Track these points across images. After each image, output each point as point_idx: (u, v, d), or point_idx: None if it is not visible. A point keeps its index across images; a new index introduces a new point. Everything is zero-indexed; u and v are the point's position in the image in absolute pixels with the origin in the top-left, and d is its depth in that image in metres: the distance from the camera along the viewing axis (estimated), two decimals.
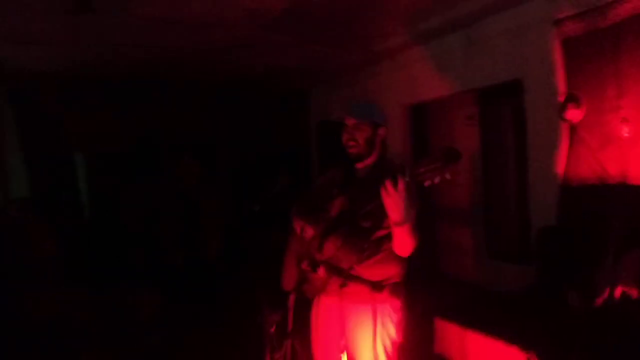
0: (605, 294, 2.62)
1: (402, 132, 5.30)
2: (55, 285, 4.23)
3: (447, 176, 1.44)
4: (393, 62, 5.22)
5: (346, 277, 1.87)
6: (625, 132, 2.99)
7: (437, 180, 1.46)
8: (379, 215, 1.74)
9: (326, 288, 1.97)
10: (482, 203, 4.87)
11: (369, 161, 2.06)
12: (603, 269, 2.74)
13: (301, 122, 7.12)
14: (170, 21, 3.77)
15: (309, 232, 1.96)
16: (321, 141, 6.90)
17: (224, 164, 6.81)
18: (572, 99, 3.29)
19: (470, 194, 5.17)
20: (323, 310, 2.09)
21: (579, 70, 3.28)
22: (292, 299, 2.21)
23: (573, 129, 3.31)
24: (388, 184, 1.59)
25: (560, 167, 3.46)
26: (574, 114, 3.28)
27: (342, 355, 1.84)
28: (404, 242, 1.79)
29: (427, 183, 1.48)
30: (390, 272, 1.95)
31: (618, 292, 2.59)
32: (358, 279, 1.89)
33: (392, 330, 1.97)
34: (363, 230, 1.80)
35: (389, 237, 1.82)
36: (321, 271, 1.75)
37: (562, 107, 3.35)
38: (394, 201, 1.61)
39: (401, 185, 1.57)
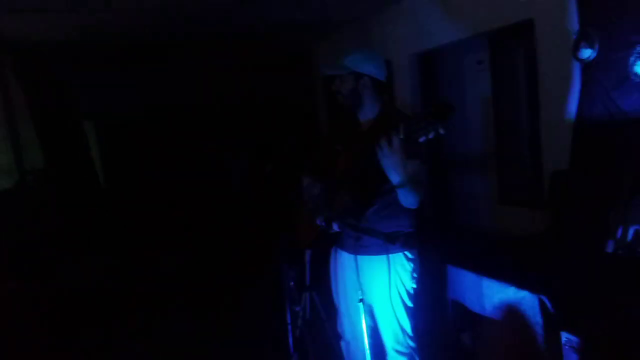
0: (618, 235, 2.64)
1: (410, 81, 5.20)
2: (77, 254, 4.37)
3: (441, 131, 1.45)
4: (399, 9, 5.05)
5: (359, 230, 1.91)
6: None
7: (431, 135, 1.47)
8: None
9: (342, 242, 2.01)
10: (494, 149, 4.84)
11: (371, 114, 2.06)
12: (616, 210, 2.74)
13: (307, 78, 7.03)
14: None
15: (317, 189, 2.01)
16: (328, 96, 6.82)
17: (234, 124, 6.81)
18: (585, 37, 3.18)
19: (482, 141, 5.13)
20: (340, 263, 2.15)
21: (592, 7, 3.14)
22: (308, 253, 2.27)
23: (586, 68, 3.22)
24: (383, 143, 1.61)
25: (573, 108, 3.39)
26: (587, 53, 3.18)
27: (359, 305, 1.91)
28: (407, 199, 1.82)
29: (421, 139, 1.50)
30: (402, 222, 1.98)
31: (631, 232, 2.60)
32: (371, 231, 1.92)
33: (407, 279, 2.03)
34: (370, 185, 1.82)
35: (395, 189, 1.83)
36: (335, 226, 1.79)
37: (575, 46, 3.25)
38: (390, 160, 1.63)
39: (395, 144, 1.58)
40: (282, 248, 2.30)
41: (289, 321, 2.30)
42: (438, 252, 3.33)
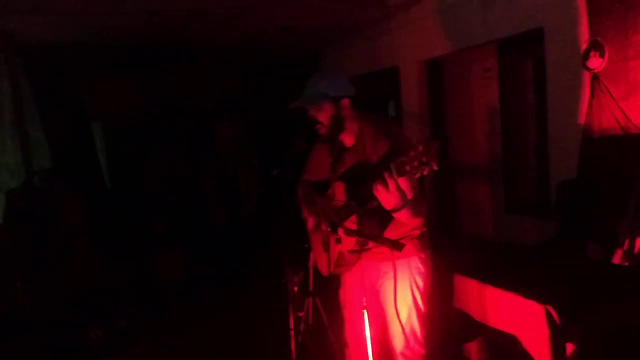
0: (625, 246, 2.61)
1: (417, 88, 5.20)
2: (83, 253, 4.38)
3: (435, 167, 1.47)
4: (407, 16, 5.05)
5: (366, 237, 1.90)
6: None
7: (426, 172, 1.50)
8: None
9: (358, 255, 2.00)
10: (500, 158, 4.82)
11: (352, 132, 2.04)
12: (623, 221, 2.72)
13: None
14: None
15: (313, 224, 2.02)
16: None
17: (241, 129, 6.82)
18: (595, 46, 3.17)
19: (489, 150, 5.11)
20: (349, 272, 2.14)
21: (603, 16, 3.14)
22: (312, 260, 2.27)
23: (595, 78, 3.20)
24: (379, 187, 1.62)
25: (581, 118, 3.37)
26: (596, 62, 3.17)
27: (363, 312, 1.90)
28: (406, 221, 1.83)
29: (417, 176, 1.53)
30: (408, 228, 1.98)
31: (638, 243, 2.57)
32: (378, 238, 1.91)
33: (420, 282, 2.05)
34: (373, 210, 1.81)
35: None
36: (341, 232, 1.78)
37: (585, 56, 3.24)
38: (386, 198, 1.64)
39: (392, 186, 1.60)
40: (287, 253, 2.30)
41: (291, 327, 2.29)
42: (444, 260, 3.31)
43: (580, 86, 3.36)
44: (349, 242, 1.90)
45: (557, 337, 1.89)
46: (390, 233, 1.94)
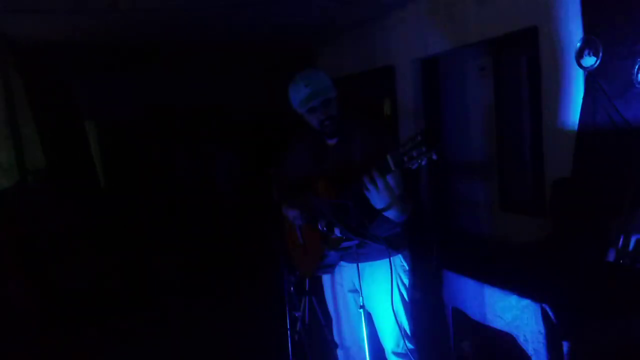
0: (619, 244, 2.62)
1: (413, 87, 5.19)
2: (77, 253, 4.36)
3: (434, 157, 1.44)
4: (402, 14, 5.05)
5: (361, 235, 1.89)
6: None
7: (424, 162, 1.47)
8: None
9: (341, 254, 2.00)
10: (495, 156, 4.83)
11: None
12: (618, 219, 2.74)
13: None
14: None
15: (298, 220, 1.99)
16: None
17: (235, 128, 6.80)
18: (589, 45, 3.18)
19: (484, 147, 5.12)
20: (338, 273, 2.14)
21: (597, 15, 3.14)
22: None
23: (590, 76, 3.21)
24: (368, 184, 1.61)
25: (575, 116, 3.39)
26: (590, 61, 3.18)
27: (360, 311, 1.90)
28: (394, 219, 1.83)
29: (415, 167, 1.50)
30: (392, 225, 1.99)
31: (632, 242, 2.58)
32: (373, 237, 1.91)
33: (405, 278, 2.08)
34: (361, 208, 1.80)
35: None
36: (337, 231, 1.77)
37: (579, 54, 3.25)
38: (376, 197, 1.64)
39: (381, 185, 1.60)
40: (283, 253, 2.29)
41: (288, 326, 2.29)
42: (439, 258, 3.32)
43: (575, 84, 3.37)
44: (336, 242, 1.88)
45: (554, 335, 1.89)
46: (376, 231, 1.92)
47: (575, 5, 3.29)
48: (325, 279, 2.23)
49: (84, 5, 4.01)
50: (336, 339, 2.28)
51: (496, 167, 4.84)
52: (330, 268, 2.07)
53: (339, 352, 2.29)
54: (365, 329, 1.88)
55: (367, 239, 1.82)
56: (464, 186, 5.34)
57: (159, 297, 4.37)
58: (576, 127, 3.38)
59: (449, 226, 5.29)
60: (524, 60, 4.42)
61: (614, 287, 2.09)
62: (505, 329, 2.14)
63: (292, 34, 5.92)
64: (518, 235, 4.21)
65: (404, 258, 2.08)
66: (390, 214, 1.78)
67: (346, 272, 2.08)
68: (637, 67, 2.92)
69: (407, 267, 2.08)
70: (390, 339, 2.08)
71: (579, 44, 3.25)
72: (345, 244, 1.86)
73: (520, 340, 2.05)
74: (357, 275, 1.89)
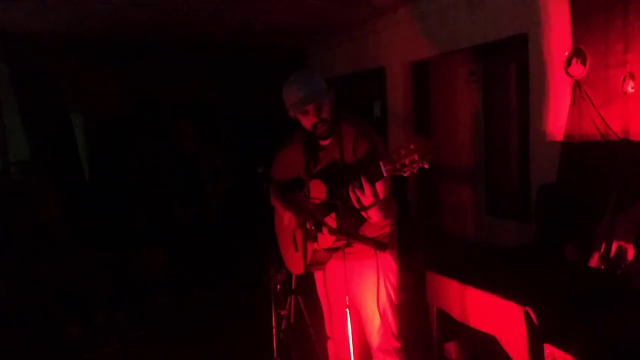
0: (602, 250, 2.67)
1: (403, 90, 5.23)
2: (61, 247, 4.30)
3: (426, 165, 1.48)
4: (394, 17, 5.08)
5: (349, 235, 1.90)
6: (630, 87, 2.95)
7: (415, 170, 1.51)
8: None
9: (331, 253, 2.01)
10: (483, 160, 4.88)
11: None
12: (601, 225, 2.79)
13: None
14: None
15: (293, 222, 2.00)
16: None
17: (224, 127, 6.76)
18: (577, 53, 3.23)
19: (472, 152, 5.18)
20: (329, 270, 2.15)
21: (585, 25, 3.20)
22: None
23: (577, 84, 3.27)
24: (357, 191, 1.64)
25: (562, 124, 3.44)
26: (578, 69, 3.23)
27: (346, 310, 1.90)
28: (376, 220, 1.88)
29: (406, 174, 1.53)
30: (380, 226, 2.01)
31: (614, 247, 2.63)
32: (360, 237, 1.92)
33: (393, 277, 2.10)
34: (351, 209, 1.82)
35: None
36: (325, 230, 1.77)
37: (567, 62, 3.30)
38: (360, 198, 1.67)
39: (368, 191, 1.63)
40: (270, 252, 2.29)
41: (273, 324, 2.29)
42: (425, 260, 3.34)
43: (562, 92, 3.43)
44: (326, 241, 1.89)
45: (535, 338, 1.92)
46: (364, 231, 1.96)
47: (564, 14, 3.34)
48: (318, 274, 2.25)
49: None
50: (328, 331, 2.31)
51: (484, 171, 4.89)
52: (321, 265, 2.08)
53: (330, 344, 2.32)
54: (351, 327, 1.89)
55: (355, 238, 1.84)
56: (451, 190, 5.39)
57: (144, 293, 4.33)
58: (562, 134, 3.44)
59: (435, 229, 5.33)
60: (513, 67, 4.48)
61: (596, 292, 2.13)
62: (488, 330, 2.16)
63: (284, 33, 5.92)
64: (503, 239, 4.26)
65: (393, 258, 2.10)
66: (374, 216, 1.80)
67: (337, 269, 2.09)
68: (624, 77, 2.98)
69: (394, 267, 2.10)
70: (377, 336, 2.09)
71: (567, 53, 3.31)
72: (335, 244, 1.87)
73: (503, 342, 2.07)
74: (343, 273, 1.90)
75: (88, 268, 4.21)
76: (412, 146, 1.47)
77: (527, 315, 1.93)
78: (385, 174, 1.57)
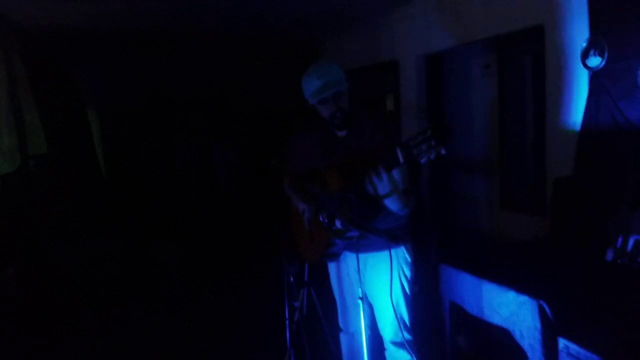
0: (618, 244, 2.63)
1: (417, 83, 5.19)
2: (77, 239, 4.38)
3: (443, 151, 1.46)
4: (408, 9, 5.04)
5: (362, 227, 1.91)
6: None
7: (432, 156, 1.49)
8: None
9: (345, 244, 2.01)
10: (497, 153, 4.83)
11: None
12: (617, 219, 2.74)
13: None
14: None
15: (308, 213, 2.01)
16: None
17: (236, 119, 6.80)
18: (595, 45, 3.17)
19: (486, 145, 5.13)
20: (342, 261, 2.16)
21: (603, 15, 3.14)
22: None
23: (594, 76, 3.21)
24: (374, 179, 1.65)
25: (579, 116, 3.39)
26: (596, 61, 3.17)
27: (359, 302, 1.91)
28: (396, 210, 1.86)
29: (423, 160, 1.51)
30: (396, 218, 2.00)
31: (631, 242, 2.60)
32: (374, 229, 1.92)
33: (407, 270, 2.09)
34: (366, 201, 1.82)
35: None
36: (338, 224, 1.78)
37: (584, 54, 3.24)
38: (382, 190, 1.68)
39: (385, 178, 1.63)
40: (283, 243, 2.30)
41: (286, 316, 2.31)
42: (439, 254, 3.33)
43: (579, 84, 3.37)
44: (340, 232, 1.90)
45: (549, 332, 1.91)
46: (379, 224, 1.95)
47: (581, 5, 3.28)
48: (331, 266, 2.26)
49: None
50: (341, 324, 2.32)
51: (498, 164, 4.84)
52: (335, 257, 2.08)
53: (343, 337, 2.33)
54: (364, 319, 1.90)
55: (367, 231, 1.84)
56: (465, 183, 5.35)
57: (157, 284, 4.39)
58: (579, 126, 3.39)
59: (449, 222, 5.31)
60: (528, 59, 4.42)
61: (611, 286, 2.11)
62: (502, 324, 2.16)
63: (298, 25, 5.90)
64: (518, 233, 4.22)
65: (407, 250, 2.09)
66: (393, 205, 1.78)
67: (351, 260, 2.10)
68: None
69: (409, 260, 2.09)
70: (389, 329, 2.10)
71: (584, 44, 3.25)
72: (349, 234, 1.88)
73: (516, 335, 2.07)
74: (356, 265, 1.91)
75: (103, 258, 4.28)
76: (428, 131, 1.46)
77: (541, 308, 1.92)
78: (401, 160, 1.56)
